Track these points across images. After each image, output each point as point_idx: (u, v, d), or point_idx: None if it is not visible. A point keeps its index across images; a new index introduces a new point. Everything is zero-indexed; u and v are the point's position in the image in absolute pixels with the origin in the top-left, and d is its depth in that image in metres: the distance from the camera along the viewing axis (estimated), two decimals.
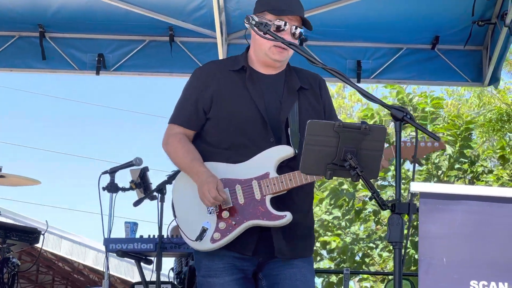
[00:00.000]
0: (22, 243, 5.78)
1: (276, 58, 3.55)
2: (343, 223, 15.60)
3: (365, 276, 16.58)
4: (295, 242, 3.50)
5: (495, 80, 6.93)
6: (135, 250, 5.53)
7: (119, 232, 5.76)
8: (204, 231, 3.41)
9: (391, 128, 13.16)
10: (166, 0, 6.53)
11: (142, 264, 5.68)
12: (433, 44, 6.91)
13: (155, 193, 5.18)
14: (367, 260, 15.39)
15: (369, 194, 2.87)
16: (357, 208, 15.14)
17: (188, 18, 6.75)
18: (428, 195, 2.92)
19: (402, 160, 3.16)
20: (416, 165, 3.42)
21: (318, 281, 15.59)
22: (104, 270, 5.68)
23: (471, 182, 14.44)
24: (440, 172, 14.43)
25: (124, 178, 5.69)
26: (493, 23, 6.55)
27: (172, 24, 6.82)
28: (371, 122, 13.96)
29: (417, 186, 2.93)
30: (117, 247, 5.51)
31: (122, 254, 5.55)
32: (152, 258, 5.55)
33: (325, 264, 15.89)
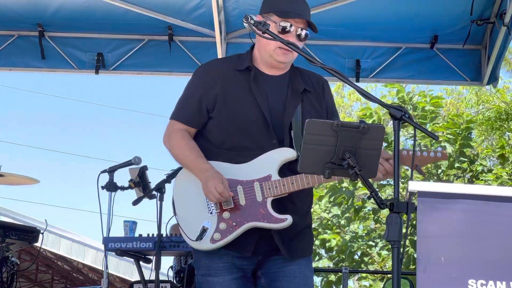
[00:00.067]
0: (21, 242, 5.78)
1: (280, 60, 3.55)
2: (342, 222, 15.62)
3: (364, 275, 16.59)
4: (295, 242, 3.51)
5: (494, 79, 6.93)
6: (134, 249, 5.53)
7: (118, 231, 5.77)
8: (204, 230, 3.41)
9: (390, 127, 13.17)
10: None
11: (141, 263, 5.69)
12: (432, 43, 6.92)
13: (154, 192, 5.18)
14: (366, 259, 15.39)
15: (369, 192, 2.88)
16: (356, 206, 15.14)
17: (187, 17, 6.75)
18: (426, 194, 2.92)
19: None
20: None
21: (317, 280, 15.60)
22: (103, 269, 5.69)
23: (470, 181, 14.45)
24: (440, 171, 14.44)
25: (123, 177, 5.70)
26: (491, 22, 6.55)
27: (171, 23, 6.82)
28: (370, 121, 13.96)
29: (415, 185, 2.94)
30: (116, 246, 5.51)
31: (121, 253, 5.55)
32: (151, 257, 5.56)
33: (324, 263, 15.89)
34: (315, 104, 3.61)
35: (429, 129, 13.64)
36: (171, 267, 6.14)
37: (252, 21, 3.25)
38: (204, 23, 6.78)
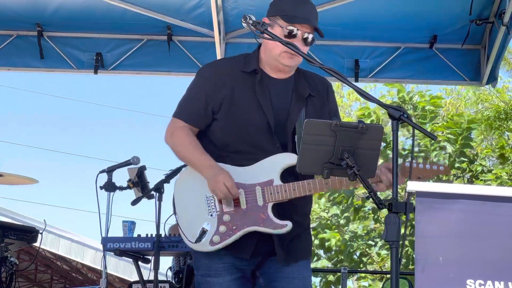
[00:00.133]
0: (20, 242, 5.78)
1: (286, 64, 3.54)
2: (341, 221, 15.61)
3: (363, 275, 16.60)
4: (295, 242, 3.51)
5: (493, 79, 6.92)
6: (133, 249, 5.52)
7: (117, 231, 5.76)
8: (203, 232, 3.40)
9: (388, 127, 13.16)
10: None
11: (140, 263, 5.68)
12: (431, 43, 6.91)
13: (152, 192, 5.18)
14: (364, 259, 15.40)
15: (368, 192, 2.88)
16: (356, 206, 15.14)
17: (186, 17, 6.75)
18: (424, 194, 2.92)
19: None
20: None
21: (316, 280, 15.59)
22: (102, 269, 5.69)
23: (470, 181, 14.45)
24: None
25: (121, 177, 5.69)
26: (491, 22, 6.54)
27: (170, 23, 6.81)
28: (369, 121, 13.96)
29: (413, 185, 2.94)
30: (115, 246, 5.51)
31: (120, 253, 5.55)
32: (150, 257, 5.55)
33: (323, 263, 15.89)
34: (318, 109, 3.60)
35: (429, 129, 13.66)
36: (170, 267, 6.14)
37: (250, 21, 3.24)
38: (203, 23, 6.77)
